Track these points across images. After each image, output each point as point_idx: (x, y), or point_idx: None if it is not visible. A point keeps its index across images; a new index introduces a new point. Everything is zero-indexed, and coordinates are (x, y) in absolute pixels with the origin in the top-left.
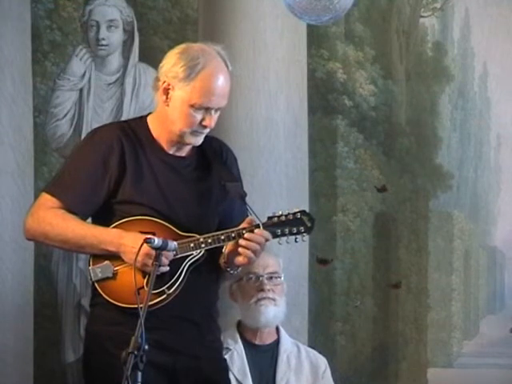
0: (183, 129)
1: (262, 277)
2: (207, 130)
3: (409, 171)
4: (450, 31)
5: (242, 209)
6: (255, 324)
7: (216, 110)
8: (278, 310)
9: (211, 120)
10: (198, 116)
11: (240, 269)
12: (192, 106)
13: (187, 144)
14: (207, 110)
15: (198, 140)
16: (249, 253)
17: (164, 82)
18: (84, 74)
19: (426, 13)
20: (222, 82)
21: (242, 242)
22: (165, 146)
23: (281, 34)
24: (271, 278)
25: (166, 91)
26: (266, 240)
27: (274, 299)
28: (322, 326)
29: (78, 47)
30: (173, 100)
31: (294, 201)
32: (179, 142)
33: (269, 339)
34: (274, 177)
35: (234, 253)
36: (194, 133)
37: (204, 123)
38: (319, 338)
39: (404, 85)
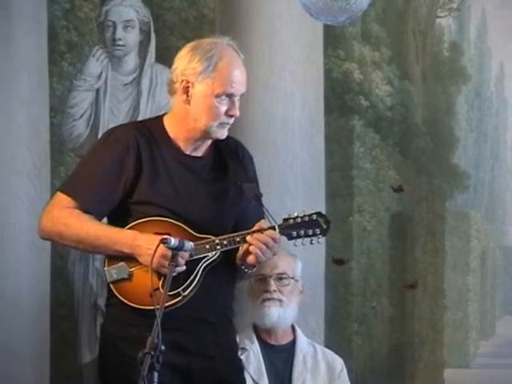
0: (209, 123)
1: (270, 277)
2: (232, 121)
3: (425, 171)
4: (467, 31)
5: (257, 209)
6: (261, 325)
7: (237, 99)
8: (285, 310)
9: (236, 108)
10: (223, 107)
11: (255, 269)
12: (217, 95)
13: (213, 138)
14: (230, 98)
15: (224, 132)
16: (256, 250)
17: (182, 81)
18: (100, 75)
19: (442, 13)
20: (239, 68)
21: (248, 238)
22: (182, 146)
23: (297, 34)
24: (280, 278)
25: (186, 90)
26: (274, 240)
27: (280, 300)
28: (339, 327)
29: (95, 47)
30: (194, 97)
31: (310, 201)
32: (205, 137)
33: (285, 339)
34: (291, 177)
35: (248, 252)
36: (221, 125)
37: (230, 113)
38: (335, 338)
39: (420, 85)
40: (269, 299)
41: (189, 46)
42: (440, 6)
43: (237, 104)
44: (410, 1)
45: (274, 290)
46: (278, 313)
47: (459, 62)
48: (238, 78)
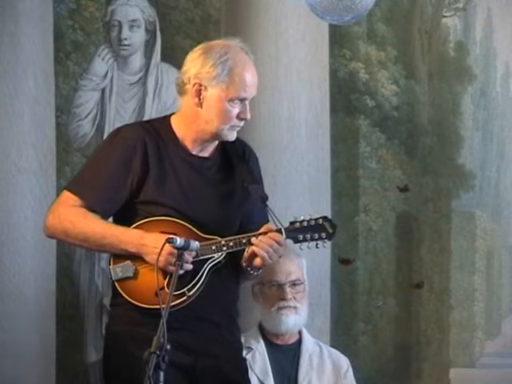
0: (221, 126)
1: (284, 285)
2: (243, 123)
3: (431, 171)
4: (473, 31)
5: (262, 211)
6: (275, 331)
7: (248, 101)
8: (299, 317)
9: (247, 111)
10: (235, 110)
11: (261, 270)
12: (230, 100)
13: (223, 140)
14: (242, 101)
15: (234, 135)
16: (262, 253)
17: (195, 84)
18: (106, 74)
19: (448, 13)
20: (252, 71)
21: (253, 241)
22: (189, 146)
23: (303, 34)
24: (294, 285)
25: (198, 93)
26: (278, 243)
27: (295, 307)
28: (345, 326)
29: (100, 47)
30: (206, 100)
31: (316, 201)
32: (214, 139)
33: (291, 339)
34: (296, 177)
35: (254, 255)
36: (232, 128)
37: (242, 116)
38: (341, 337)
39: (426, 85)
40: (285, 307)
41: (200, 48)
42: (446, 6)
43: (248, 107)
44: (415, 0)
45: (290, 298)
46: (295, 320)
47: (465, 62)
48: (251, 81)
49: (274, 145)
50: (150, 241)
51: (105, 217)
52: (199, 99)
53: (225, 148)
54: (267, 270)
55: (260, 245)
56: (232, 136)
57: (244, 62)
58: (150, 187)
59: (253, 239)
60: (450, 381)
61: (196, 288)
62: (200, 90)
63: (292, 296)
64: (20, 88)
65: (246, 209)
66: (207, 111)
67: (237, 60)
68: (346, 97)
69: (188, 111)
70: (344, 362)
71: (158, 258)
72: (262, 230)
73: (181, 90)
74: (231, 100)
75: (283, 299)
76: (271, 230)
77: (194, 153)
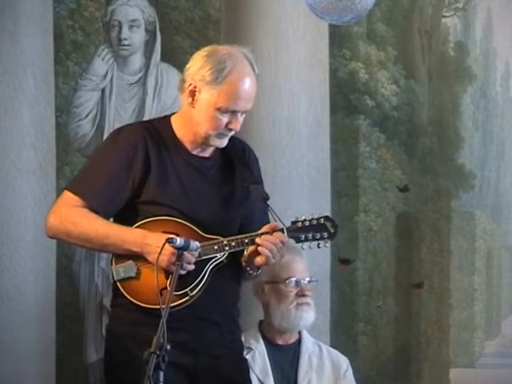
0: (209, 131)
1: (303, 282)
2: (232, 133)
3: (431, 171)
4: (472, 31)
5: (263, 211)
6: (292, 327)
7: (242, 113)
8: (314, 314)
9: (237, 123)
10: (224, 119)
11: (260, 271)
12: (218, 109)
13: (212, 146)
14: (233, 113)
15: (223, 142)
16: (266, 252)
17: (190, 84)
18: (106, 74)
19: (448, 12)
20: (248, 85)
21: (258, 240)
22: (189, 146)
23: (303, 34)
24: (309, 282)
25: (192, 93)
26: (282, 242)
27: (310, 304)
28: (344, 326)
29: (100, 47)
30: (199, 102)
31: (315, 201)
32: (204, 143)
33: (291, 339)
34: (296, 177)
35: (255, 254)
36: (220, 135)
37: (230, 126)
38: (341, 337)
39: (426, 85)
40: (304, 303)
41: (207, 49)
42: (446, 6)
43: (240, 119)
44: (415, 0)
45: (309, 295)
46: (312, 316)
47: (465, 62)
48: (244, 95)
49: (273, 145)
50: (153, 240)
51: (106, 217)
52: (193, 100)
53: (225, 148)
54: (282, 268)
55: (265, 244)
56: (220, 143)
57: (241, 73)
58: (151, 187)
59: (257, 238)
60: (450, 381)
61: (198, 288)
62: (194, 92)
63: (309, 293)
64: (20, 88)
65: (246, 209)
66: (198, 114)
67: (234, 70)
68: (345, 97)
69: (185, 111)
70: (343, 361)
71: (158, 257)
72: (264, 229)
73: (180, 87)
74: (220, 109)
75: (303, 295)
76: (274, 230)
77: (194, 153)
